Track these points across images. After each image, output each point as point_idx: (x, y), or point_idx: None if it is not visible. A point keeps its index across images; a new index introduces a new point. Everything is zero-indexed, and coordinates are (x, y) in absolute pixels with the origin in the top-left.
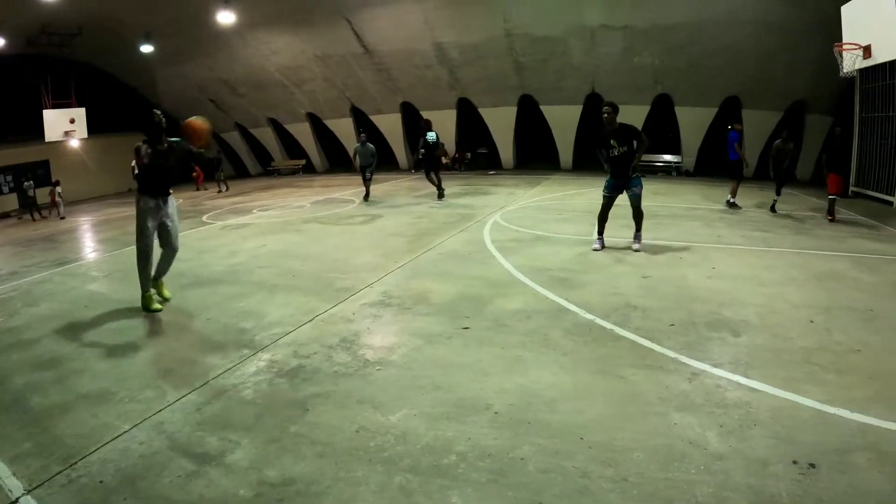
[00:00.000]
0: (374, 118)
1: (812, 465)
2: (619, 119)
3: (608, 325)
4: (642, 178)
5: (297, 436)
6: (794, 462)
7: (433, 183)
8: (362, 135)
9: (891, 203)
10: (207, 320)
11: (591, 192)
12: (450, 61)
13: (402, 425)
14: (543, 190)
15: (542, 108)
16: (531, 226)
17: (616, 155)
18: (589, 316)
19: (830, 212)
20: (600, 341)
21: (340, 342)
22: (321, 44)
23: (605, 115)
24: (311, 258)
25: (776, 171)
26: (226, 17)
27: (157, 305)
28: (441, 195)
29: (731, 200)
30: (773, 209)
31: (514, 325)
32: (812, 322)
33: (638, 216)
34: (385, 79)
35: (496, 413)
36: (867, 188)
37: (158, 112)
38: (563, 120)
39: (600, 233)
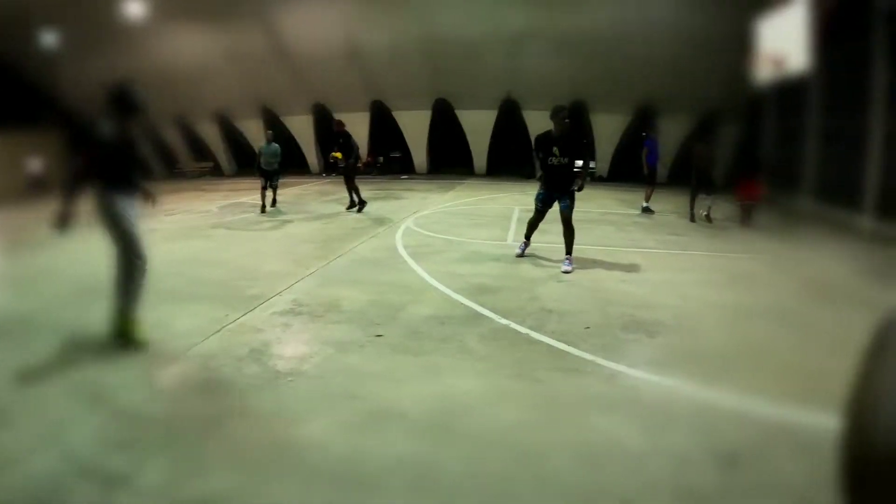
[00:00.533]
0: (286, 119)
1: (734, 460)
2: (538, 126)
3: (524, 330)
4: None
5: (210, 450)
6: (716, 457)
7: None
8: (269, 132)
9: (800, 206)
10: None
11: (504, 197)
12: (365, 62)
13: (317, 437)
14: (457, 195)
15: (458, 112)
16: (445, 231)
17: (554, 164)
18: (504, 321)
19: (745, 218)
20: (516, 346)
21: (250, 353)
22: (233, 39)
23: (566, 120)
24: (220, 265)
25: (700, 177)
26: (135, 9)
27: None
28: (361, 208)
29: (646, 206)
30: (709, 217)
31: (428, 332)
32: (728, 321)
33: (569, 234)
34: (298, 79)
35: (413, 421)
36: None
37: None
38: (478, 125)
39: (527, 237)
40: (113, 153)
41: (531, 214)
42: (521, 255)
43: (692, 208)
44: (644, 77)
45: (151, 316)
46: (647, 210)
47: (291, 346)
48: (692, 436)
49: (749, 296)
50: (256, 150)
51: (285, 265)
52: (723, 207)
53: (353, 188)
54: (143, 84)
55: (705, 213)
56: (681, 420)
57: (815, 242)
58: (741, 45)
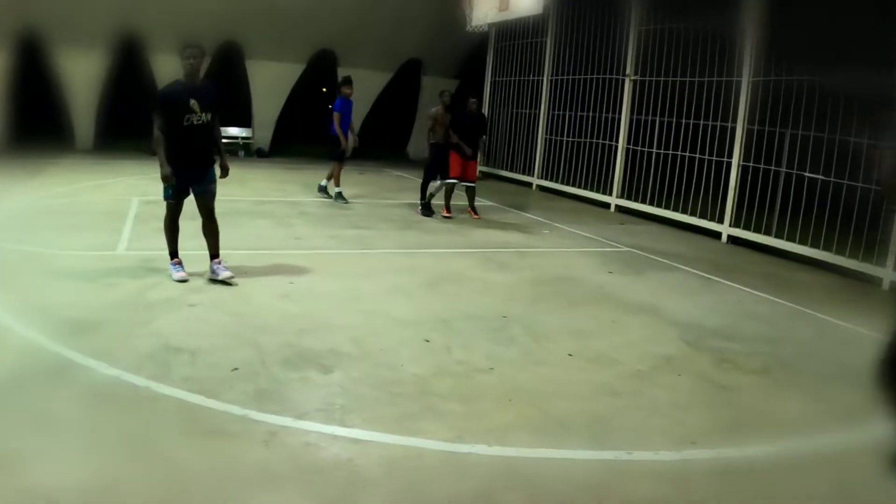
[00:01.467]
0: None
1: None
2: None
3: (142, 382)
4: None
5: None
6: None
7: None
8: None
9: (530, 185)
10: None
11: (117, 183)
12: None
13: None
14: (47, 183)
15: (49, 55)
16: (22, 239)
17: (194, 124)
18: (113, 371)
19: (447, 203)
20: (132, 406)
21: None
22: None
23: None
24: None
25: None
26: None
27: None
28: None
29: (325, 185)
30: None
31: None
32: (427, 341)
33: (213, 230)
34: None
35: None
36: (499, 167)
37: None
38: (80, 74)
39: (173, 254)
40: None
41: (155, 209)
42: (184, 281)
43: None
44: (318, 15)
45: None
46: (337, 195)
47: None
48: (393, 497)
49: (458, 303)
50: None
51: None
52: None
53: None
54: None
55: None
56: (374, 483)
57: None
58: None
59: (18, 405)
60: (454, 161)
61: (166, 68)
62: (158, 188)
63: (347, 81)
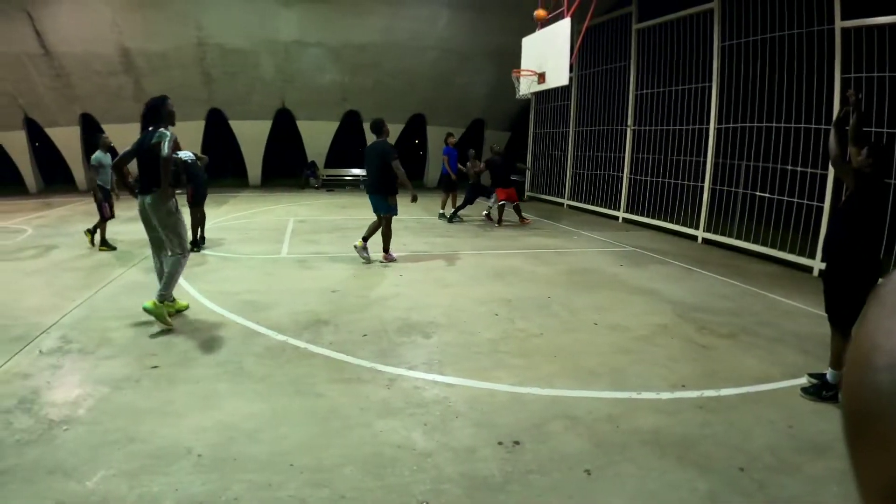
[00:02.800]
0: (49, 131)
1: (516, 443)
2: (311, 134)
3: (301, 344)
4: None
5: None
6: (500, 443)
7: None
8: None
9: (562, 204)
10: None
11: (278, 208)
12: (136, 69)
13: (101, 489)
14: (231, 208)
15: (231, 122)
16: (217, 247)
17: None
18: (281, 337)
19: (499, 218)
20: (294, 362)
21: (19, 404)
22: None
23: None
24: None
25: (475, 182)
26: None
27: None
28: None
29: (442, 212)
30: (489, 217)
31: (204, 358)
32: (496, 315)
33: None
34: (63, 85)
35: (199, 456)
36: (541, 192)
37: None
38: (252, 135)
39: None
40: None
41: (305, 225)
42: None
43: (460, 207)
44: (411, 88)
45: None
46: (447, 216)
47: (63, 390)
48: (474, 427)
49: (516, 288)
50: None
51: (49, 298)
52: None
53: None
54: None
55: (485, 213)
56: (462, 414)
57: (571, 234)
58: (502, 60)
59: (216, 360)
60: (498, 191)
61: (308, 129)
62: (307, 211)
63: (451, 135)
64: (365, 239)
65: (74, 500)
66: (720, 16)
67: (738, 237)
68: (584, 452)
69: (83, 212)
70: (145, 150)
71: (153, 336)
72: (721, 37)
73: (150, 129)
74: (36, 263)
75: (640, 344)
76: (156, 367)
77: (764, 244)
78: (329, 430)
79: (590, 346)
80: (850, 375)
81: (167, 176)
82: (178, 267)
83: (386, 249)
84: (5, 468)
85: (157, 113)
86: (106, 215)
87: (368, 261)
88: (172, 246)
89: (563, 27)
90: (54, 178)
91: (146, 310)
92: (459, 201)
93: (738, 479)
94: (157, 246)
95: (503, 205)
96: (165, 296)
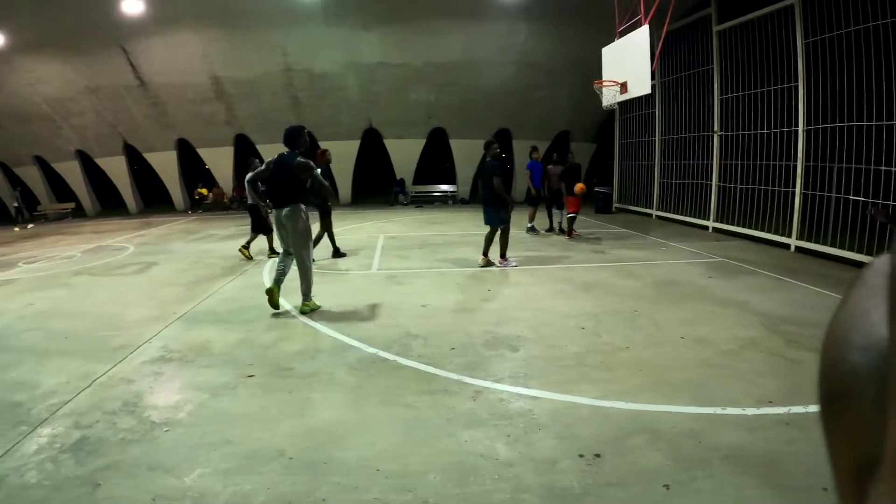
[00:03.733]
0: (147, 156)
1: (597, 455)
2: (399, 152)
3: (391, 357)
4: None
5: None
6: (581, 455)
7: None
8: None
9: (650, 215)
10: None
11: (369, 225)
12: (227, 96)
13: (198, 486)
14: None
15: (321, 143)
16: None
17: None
18: (371, 349)
19: (570, 230)
20: (384, 373)
21: (123, 406)
22: (93, 74)
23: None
24: (83, 315)
25: (552, 194)
26: None
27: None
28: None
29: (531, 225)
30: (562, 229)
31: (298, 368)
32: (582, 328)
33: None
34: (159, 113)
35: (290, 458)
36: (628, 203)
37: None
38: (341, 155)
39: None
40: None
41: (395, 241)
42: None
43: (550, 221)
44: (496, 103)
45: (14, 375)
46: (532, 230)
47: (164, 395)
48: (556, 439)
49: (602, 302)
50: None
51: (151, 310)
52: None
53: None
54: (3, 121)
55: (559, 223)
56: (545, 426)
57: (652, 245)
58: (585, 71)
59: (309, 371)
60: (570, 202)
61: (395, 147)
62: (396, 227)
63: (535, 149)
64: (485, 254)
65: (172, 494)
66: (801, 11)
67: (833, 245)
68: (663, 467)
69: (182, 230)
70: (283, 168)
71: (249, 347)
72: (804, 33)
73: (287, 151)
74: (138, 279)
75: (727, 358)
76: (251, 375)
77: (860, 251)
78: (415, 438)
79: (675, 360)
80: (826, 355)
81: (329, 194)
82: (306, 269)
83: (503, 255)
84: (109, 464)
85: (293, 139)
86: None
87: (505, 266)
88: (300, 250)
89: (642, 35)
90: (153, 199)
91: (303, 312)
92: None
93: (819, 500)
94: (287, 252)
95: (573, 217)
96: (307, 292)
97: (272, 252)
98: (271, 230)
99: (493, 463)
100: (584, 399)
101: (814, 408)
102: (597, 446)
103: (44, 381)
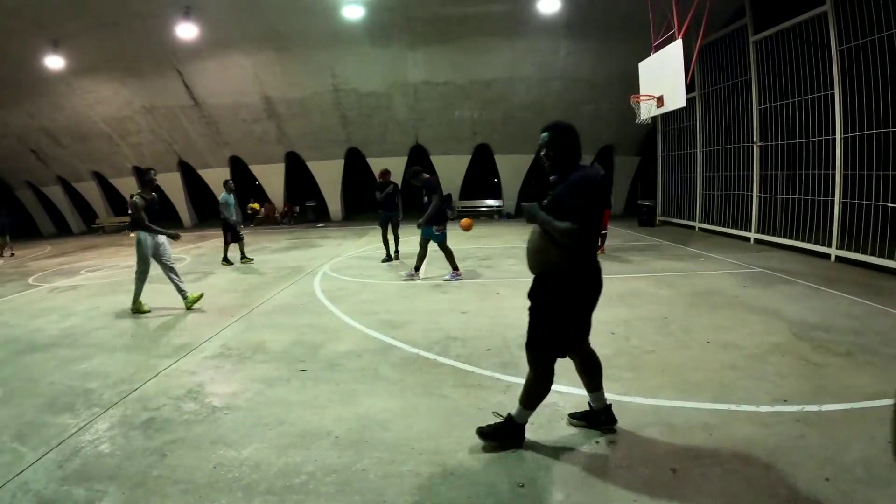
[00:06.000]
0: (202, 172)
1: (612, 442)
2: (445, 168)
3: (431, 356)
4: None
5: (159, 478)
6: (597, 441)
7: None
8: (230, 182)
9: (693, 227)
10: (51, 384)
11: (415, 239)
12: (278, 115)
13: (254, 457)
14: (371, 240)
15: (369, 160)
16: (359, 275)
17: None
18: (413, 350)
19: (601, 245)
20: (424, 370)
21: (187, 393)
22: (149, 94)
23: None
24: (146, 318)
25: None
26: (54, 62)
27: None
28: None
29: None
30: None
31: (346, 364)
32: (613, 333)
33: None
34: (213, 132)
35: (337, 437)
36: (672, 216)
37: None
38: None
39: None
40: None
41: (440, 254)
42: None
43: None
44: (539, 119)
45: (86, 367)
46: None
47: (224, 385)
48: (576, 428)
49: (636, 309)
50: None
51: (210, 314)
52: (618, 233)
53: (396, 238)
54: (60, 138)
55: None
56: (567, 417)
57: (685, 256)
58: (628, 85)
59: (356, 366)
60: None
61: (441, 164)
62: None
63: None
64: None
65: (231, 463)
66: (834, 18)
67: (874, 254)
68: (672, 453)
69: (235, 244)
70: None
71: (302, 347)
72: (838, 40)
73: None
74: (196, 286)
75: (751, 361)
76: (303, 370)
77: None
78: (449, 423)
79: (699, 363)
80: None
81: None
82: None
83: None
84: (175, 439)
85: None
86: (227, 240)
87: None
88: None
89: (676, 49)
90: (207, 214)
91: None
92: None
93: (821, 488)
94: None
95: (604, 233)
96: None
97: (244, 258)
98: (241, 238)
99: None
100: (607, 395)
101: (828, 406)
102: (613, 435)
103: (113, 371)
